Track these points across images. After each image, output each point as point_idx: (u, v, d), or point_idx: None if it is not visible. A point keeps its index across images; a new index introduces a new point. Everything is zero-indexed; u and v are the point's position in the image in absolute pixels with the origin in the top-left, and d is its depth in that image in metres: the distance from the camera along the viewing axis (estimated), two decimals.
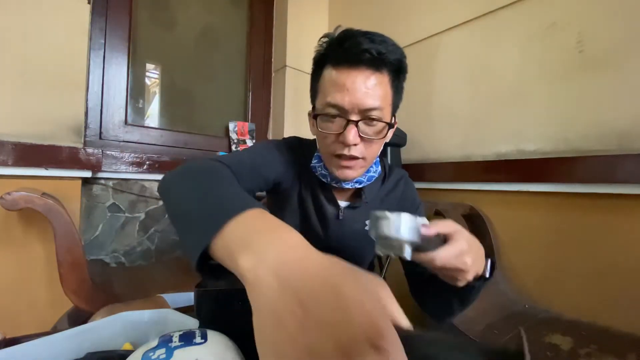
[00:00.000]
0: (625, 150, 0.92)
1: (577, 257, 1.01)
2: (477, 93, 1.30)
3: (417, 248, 0.41)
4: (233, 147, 1.76)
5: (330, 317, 0.22)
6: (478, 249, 0.49)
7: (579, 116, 1.02)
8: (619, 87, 0.95)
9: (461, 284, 0.49)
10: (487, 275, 0.52)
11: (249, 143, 1.81)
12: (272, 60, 1.99)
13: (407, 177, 0.79)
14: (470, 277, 0.48)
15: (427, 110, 1.45)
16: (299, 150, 0.72)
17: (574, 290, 1.01)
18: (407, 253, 0.37)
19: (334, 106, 0.57)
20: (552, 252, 1.07)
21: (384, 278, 1.30)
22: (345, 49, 0.56)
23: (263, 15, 1.96)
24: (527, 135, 1.14)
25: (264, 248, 0.27)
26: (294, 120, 1.90)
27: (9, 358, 0.34)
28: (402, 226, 0.36)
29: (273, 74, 1.98)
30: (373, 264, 0.85)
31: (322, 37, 0.62)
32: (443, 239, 0.46)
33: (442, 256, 0.44)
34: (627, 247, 0.92)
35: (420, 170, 1.42)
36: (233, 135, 1.77)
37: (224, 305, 0.38)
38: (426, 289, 0.66)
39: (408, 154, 1.48)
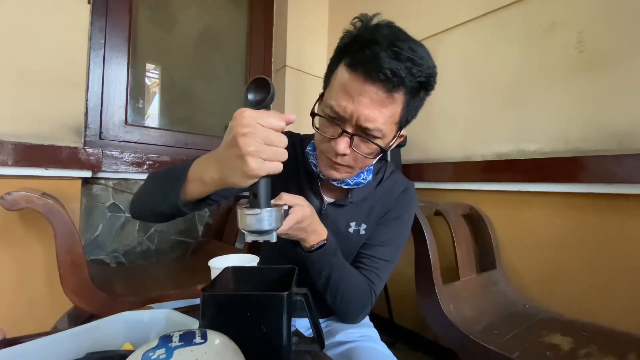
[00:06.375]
0: (625, 150, 0.92)
1: (577, 257, 1.02)
2: (477, 93, 1.30)
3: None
4: None
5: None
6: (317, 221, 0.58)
7: (579, 116, 1.02)
8: (619, 87, 0.95)
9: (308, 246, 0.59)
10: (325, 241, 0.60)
11: None
12: (272, 60, 1.99)
13: (411, 190, 0.74)
14: (311, 242, 0.58)
15: (427, 110, 1.43)
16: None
17: (574, 290, 1.02)
18: (274, 237, 0.45)
19: (335, 111, 0.55)
20: (552, 252, 1.07)
21: None
22: (365, 57, 0.50)
23: (263, 15, 1.96)
24: (527, 135, 1.14)
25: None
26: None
27: (9, 358, 0.34)
28: (273, 220, 0.43)
29: (273, 74, 1.98)
30: None
31: (354, 19, 0.56)
32: (288, 208, 0.53)
33: (284, 227, 0.51)
34: (627, 247, 0.92)
35: (420, 170, 1.42)
36: None
37: (229, 309, 0.38)
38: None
39: (408, 154, 1.48)
